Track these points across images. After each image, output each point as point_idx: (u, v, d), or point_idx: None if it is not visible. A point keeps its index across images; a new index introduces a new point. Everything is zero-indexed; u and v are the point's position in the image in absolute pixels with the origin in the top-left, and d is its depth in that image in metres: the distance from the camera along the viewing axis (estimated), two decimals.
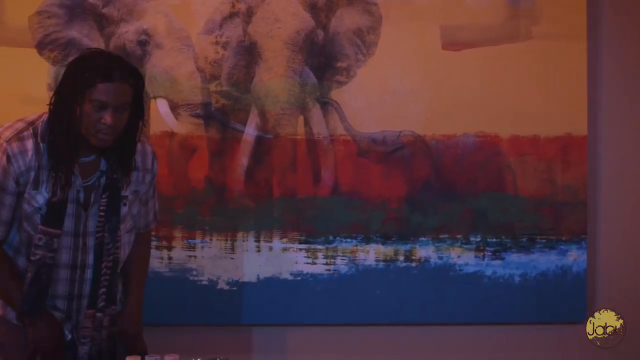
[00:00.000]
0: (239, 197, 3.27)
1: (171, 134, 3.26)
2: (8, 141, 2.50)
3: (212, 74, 3.26)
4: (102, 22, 3.24)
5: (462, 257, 3.34)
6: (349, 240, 3.30)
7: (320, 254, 3.30)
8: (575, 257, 3.37)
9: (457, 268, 3.34)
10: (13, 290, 2.55)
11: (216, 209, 3.26)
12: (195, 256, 3.26)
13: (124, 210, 2.63)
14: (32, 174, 2.51)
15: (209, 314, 3.27)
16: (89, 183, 2.58)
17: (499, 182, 3.35)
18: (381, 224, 3.31)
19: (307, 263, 3.29)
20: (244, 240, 3.27)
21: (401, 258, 3.32)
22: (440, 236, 3.33)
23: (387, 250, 3.32)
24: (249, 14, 3.26)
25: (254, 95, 3.27)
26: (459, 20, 3.32)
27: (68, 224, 2.55)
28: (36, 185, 2.53)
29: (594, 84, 3.39)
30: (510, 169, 3.35)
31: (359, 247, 3.31)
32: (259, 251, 3.28)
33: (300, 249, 3.28)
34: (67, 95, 2.48)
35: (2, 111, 3.04)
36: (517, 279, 3.36)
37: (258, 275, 3.28)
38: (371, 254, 3.31)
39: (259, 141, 3.27)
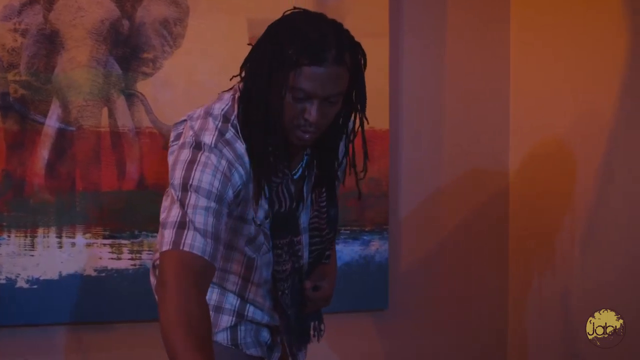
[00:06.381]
0: (39, 192, 3.14)
1: None
2: (216, 146, 1.94)
3: (11, 62, 3.10)
4: None
5: None
6: (155, 234, 3.24)
7: (125, 249, 3.22)
8: (377, 247, 3.47)
9: None
10: None
11: (15, 204, 3.11)
12: None
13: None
14: (252, 184, 2.00)
15: (6, 315, 3.12)
16: (297, 176, 2.12)
17: None
18: None
19: (112, 258, 3.21)
20: (44, 237, 3.14)
21: None
22: None
23: None
24: (50, 2, 3.11)
25: (56, 86, 3.14)
26: (266, 14, 3.31)
27: None
28: (258, 198, 2.00)
29: (395, 79, 3.50)
30: None
31: None
32: (60, 247, 3.16)
33: (105, 244, 3.19)
34: (263, 76, 1.94)
35: None
36: None
37: (60, 272, 3.16)
38: None
39: (61, 133, 3.14)
